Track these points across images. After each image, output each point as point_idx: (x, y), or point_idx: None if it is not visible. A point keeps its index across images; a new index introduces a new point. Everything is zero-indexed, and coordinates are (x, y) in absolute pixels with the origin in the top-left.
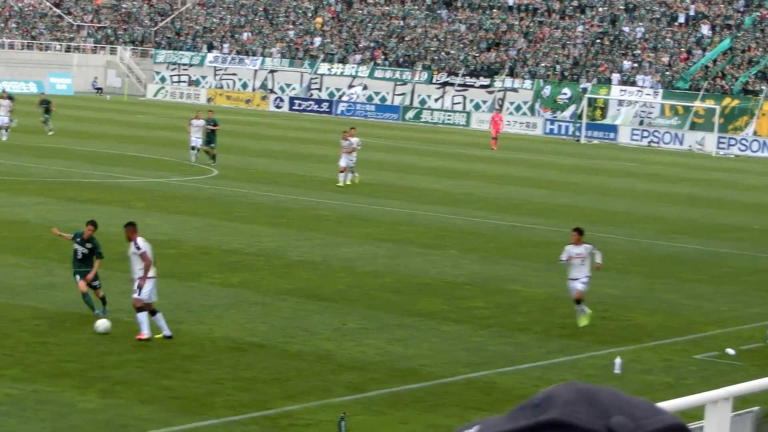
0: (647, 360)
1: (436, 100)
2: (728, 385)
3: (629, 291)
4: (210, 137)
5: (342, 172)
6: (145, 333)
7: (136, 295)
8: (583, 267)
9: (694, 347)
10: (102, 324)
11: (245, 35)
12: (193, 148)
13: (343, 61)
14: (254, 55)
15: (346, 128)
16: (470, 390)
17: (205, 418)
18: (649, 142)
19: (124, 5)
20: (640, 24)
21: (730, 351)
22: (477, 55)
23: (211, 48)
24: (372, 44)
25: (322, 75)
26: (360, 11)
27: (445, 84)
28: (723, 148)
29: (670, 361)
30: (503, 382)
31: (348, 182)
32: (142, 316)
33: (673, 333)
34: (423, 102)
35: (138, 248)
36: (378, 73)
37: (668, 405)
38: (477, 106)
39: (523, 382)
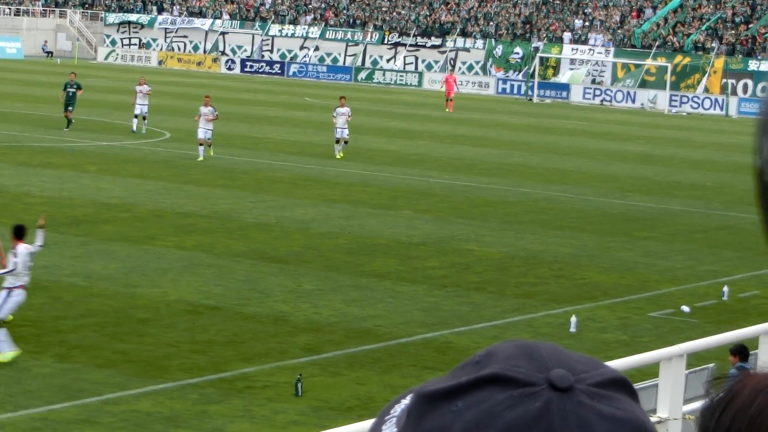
0: (603, 318)
1: (388, 60)
2: (683, 342)
3: (583, 249)
4: (70, 100)
5: (337, 143)
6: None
7: None
8: (24, 273)
9: (649, 305)
10: None
11: None
12: (135, 116)
13: (294, 22)
14: (204, 16)
15: (338, 95)
16: (426, 350)
17: (161, 381)
18: (602, 101)
19: None
20: None
21: (685, 308)
22: (428, 14)
23: (161, 10)
24: (323, 5)
25: (273, 36)
26: None
27: (396, 44)
28: (675, 106)
29: (625, 319)
30: (459, 341)
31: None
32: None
33: (628, 291)
34: (375, 63)
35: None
36: (329, 34)
37: (624, 362)
38: (429, 66)
39: (478, 341)
